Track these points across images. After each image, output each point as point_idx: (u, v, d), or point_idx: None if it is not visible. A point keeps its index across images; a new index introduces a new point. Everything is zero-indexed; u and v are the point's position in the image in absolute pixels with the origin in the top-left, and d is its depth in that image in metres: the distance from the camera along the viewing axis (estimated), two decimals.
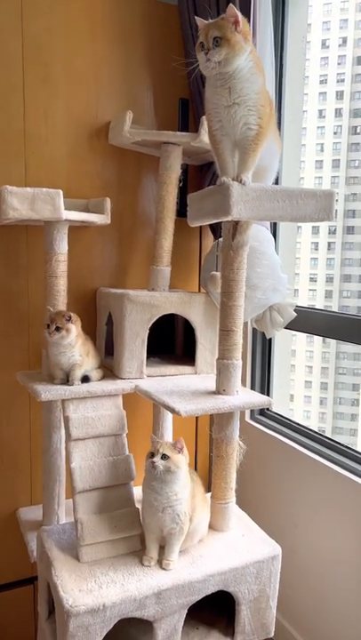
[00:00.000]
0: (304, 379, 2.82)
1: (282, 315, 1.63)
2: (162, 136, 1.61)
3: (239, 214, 1.25)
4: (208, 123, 1.32)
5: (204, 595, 1.32)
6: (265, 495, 1.82)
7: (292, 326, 1.68)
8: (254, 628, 1.40)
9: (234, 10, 1.20)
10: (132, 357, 1.59)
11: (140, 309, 1.57)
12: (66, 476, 1.63)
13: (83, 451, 1.41)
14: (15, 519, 1.74)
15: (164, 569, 1.31)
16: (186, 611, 1.30)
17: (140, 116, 1.78)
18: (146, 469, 1.30)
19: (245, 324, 1.76)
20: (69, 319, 1.44)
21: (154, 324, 1.60)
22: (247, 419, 1.92)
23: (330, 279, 2.59)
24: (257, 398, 1.44)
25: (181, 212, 1.74)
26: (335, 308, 2.48)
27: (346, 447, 1.57)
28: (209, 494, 1.50)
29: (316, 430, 1.71)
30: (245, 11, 1.51)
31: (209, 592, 1.32)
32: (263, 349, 1.93)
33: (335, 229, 2.53)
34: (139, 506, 1.39)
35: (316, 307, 2.22)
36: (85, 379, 1.51)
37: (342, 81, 2.52)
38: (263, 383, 1.94)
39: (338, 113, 2.53)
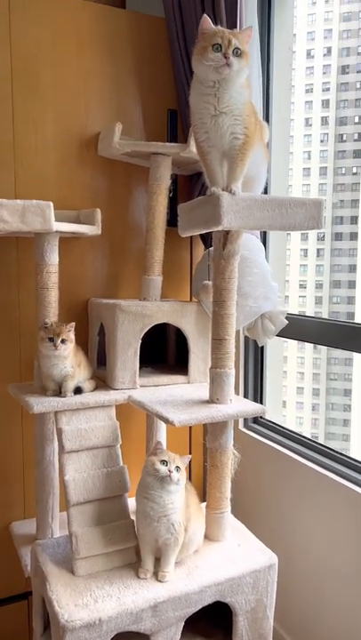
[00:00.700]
0: (296, 385, 2.83)
1: (273, 322, 1.64)
2: (151, 147, 1.62)
3: (230, 224, 1.25)
4: (195, 135, 1.32)
5: (200, 606, 1.31)
6: (260, 504, 1.81)
7: (283, 334, 1.69)
8: (252, 639, 1.40)
9: (251, 31, 1.27)
10: (125, 368, 1.59)
11: (132, 319, 1.57)
12: (59, 488, 1.62)
13: (76, 463, 1.40)
14: (8, 533, 1.72)
15: (160, 581, 1.30)
16: (183, 623, 1.29)
17: (129, 128, 1.79)
18: (150, 475, 1.28)
19: (237, 332, 1.76)
20: (70, 330, 1.45)
21: (146, 333, 1.60)
22: (241, 427, 1.92)
23: (319, 285, 2.60)
24: (251, 407, 1.44)
25: (172, 221, 1.74)
26: (325, 315, 2.50)
27: (340, 454, 1.58)
28: (204, 504, 1.49)
29: (310, 437, 1.71)
30: (232, 23, 1.53)
31: (206, 603, 1.31)
32: (255, 357, 1.93)
33: (324, 236, 2.55)
34: (133, 517, 1.38)
35: (307, 313, 2.24)
36: (78, 390, 1.50)
37: (328, 90, 2.55)
38: (256, 391, 1.94)
39: (324, 121, 2.56)
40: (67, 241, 1.72)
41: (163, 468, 1.27)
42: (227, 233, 1.36)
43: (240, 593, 1.35)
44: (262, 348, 1.92)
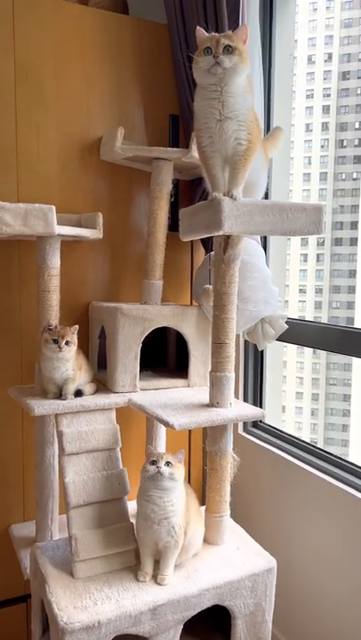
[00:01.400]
0: (295, 390, 2.83)
1: (273, 327, 1.65)
2: (153, 152, 1.63)
3: (231, 229, 1.26)
4: (198, 139, 1.34)
5: (199, 609, 1.31)
6: (259, 508, 1.82)
7: (283, 338, 1.69)
8: None
9: (246, 29, 1.25)
10: (126, 371, 1.59)
11: (133, 323, 1.58)
12: (59, 491, 1.62)
13: (76, 465, 1.41)
14: (8, 536, 1.73)
15: (159, 584, 1.30)
16: (182, 626, 1.30)
17: (131, 132, 1.80)
18: (145, 478, 1.30)
19: (237, 336, 1.77)
20: (74, 332, 1.46)
21: (146, 337, 1.61)
22: (240, 431, 1.92)
23: (319, 290, 2.61)
24: (250, 410, 1.45)
25: (173, 226, 1.75)
26: (325, 320, 2.51)
27: (339, 458, 1.58)
28: (203, 507, 1.50)
29: (309, 442, 1.71)
30: (234, 28, 1.54)
31: (204, 607, 1.32)
32: (255, 361, 1.94)
33: (323, 241, 2.56)
34: (133, 520, 1.39)
35: (306, 318, 2.24)
36: (78, 393, 1.51)
37: (328, 95, 2.57)
38: (256, 395, 1.95)
39: (324, 127, 2.58)
40: (68, 244, 1.73)
41: (152, 467, 1.29)
42: (228, 237, 1.37)
43: (239, 597, 1.35)
44: (262, 352, 1.93)
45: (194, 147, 1.57)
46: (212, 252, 1.45)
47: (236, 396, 1.88)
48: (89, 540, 1.33)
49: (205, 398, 1.49)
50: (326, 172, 2.55)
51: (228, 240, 1.37)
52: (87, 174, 1.76)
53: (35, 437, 1.60)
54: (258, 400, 1.95)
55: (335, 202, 2.48)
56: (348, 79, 2.53)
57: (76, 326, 1.47)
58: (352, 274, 2.53)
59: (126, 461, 1.48)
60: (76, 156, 1.74)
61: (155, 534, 1.30)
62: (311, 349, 2.68)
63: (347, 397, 2.75)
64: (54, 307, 1.56)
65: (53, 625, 1.20)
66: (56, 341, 1.43)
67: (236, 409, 1.43)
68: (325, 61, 2.59)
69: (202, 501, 1.55)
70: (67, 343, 1.44)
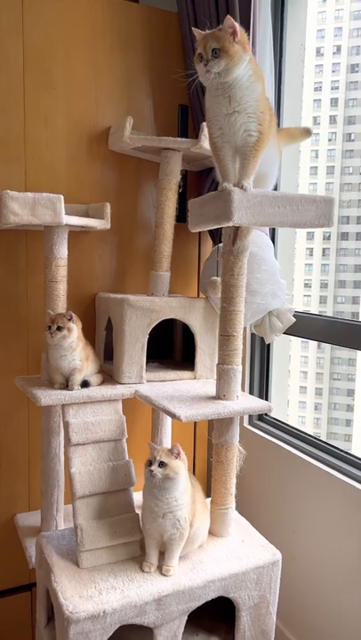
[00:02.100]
0: (299, 384, 2.83)
1: (281, 320, 1.64)
2: (162, 142, 1.62)
3: (240, 220, 1.25)
4: (209, 130, 1.33)
5: (204, 601, 1.31)
6: (264, 500, 1.82)
7: (290, 331, 1.69)
8: (254, 635, 1.40)
9: (231, 21, 1.21)
10: (132, 362, 1.59)
11: (140, 314, 1.57)
12: (65, 481, 1.63)
13: (82, 456, 1.41)
14: (13, 525, 1.73)
15: (164, 575, 1.30)
16: (186, 617, 1.30)
17: (140, 122, 1.79)
18: (145, 477, 1.30)
19: (245, 329, 1.76)
20: (70, 318, 1.44)
21: (153, 329, 1.60)
22: (245, 424, 1.92)
23: (324, 285, 2.60)
24: (257, 403, 1.44)
25: (181, 217, 1.74)
26: (330, 314, 2.50)
27: (344, 452, 1.58)
28: (208, 500, 1.50)
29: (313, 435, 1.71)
30: (245, 19, 1.53)
31: (209, 598, 1.32)
32: (262, 355, 1.93)
33: (330, 235, 2.55)
34: (138, 511, 1.39)
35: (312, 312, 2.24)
36: (85, 384, 1.50)
37: (337, 88, 2.55)
38: (262, 388, 1.94)
39: (332, 120, 2.56)
40: (76, 235, 1.72)
41: (146, 470, 1.28)
42: (237, 229, 1.36)
43: (243, 588, 1.36)
44: (269, 345, 1.92)
45: (203, 137, 1.56)
46: (220, 244, 1.44)
47: (243, 388, 1.88)
48: (94, 530, 1.33)
49: (212, 391, 1.49)
50: (333, 166, 2.54)
51: (237, 231, 1.36)
52: (95, 164, 1.75)
53: (40, 427, 1.60)
54: (264, 393, 1.94)
55: (342, 196, 2.46)
56: (357, 72, 2.51)
57: (70, 312, 1.46)
58: (358, 268, 2.52)
59: (132, 452, 1.48)
60: (85, 145, 1.73)
61: (160, 527, 1.30)
62: (315, 344, 2.68)
63: (351, 392, 2.75)
64: (61, 297, 1.55)
65: (59, 614, 1.20)
66: (50, 328, 1.43)
67: (243, 402, 1.43)
68: (334, 53, 2.56)
69: (207, 493, 1.55)
70: (58, 329, 1.42)
